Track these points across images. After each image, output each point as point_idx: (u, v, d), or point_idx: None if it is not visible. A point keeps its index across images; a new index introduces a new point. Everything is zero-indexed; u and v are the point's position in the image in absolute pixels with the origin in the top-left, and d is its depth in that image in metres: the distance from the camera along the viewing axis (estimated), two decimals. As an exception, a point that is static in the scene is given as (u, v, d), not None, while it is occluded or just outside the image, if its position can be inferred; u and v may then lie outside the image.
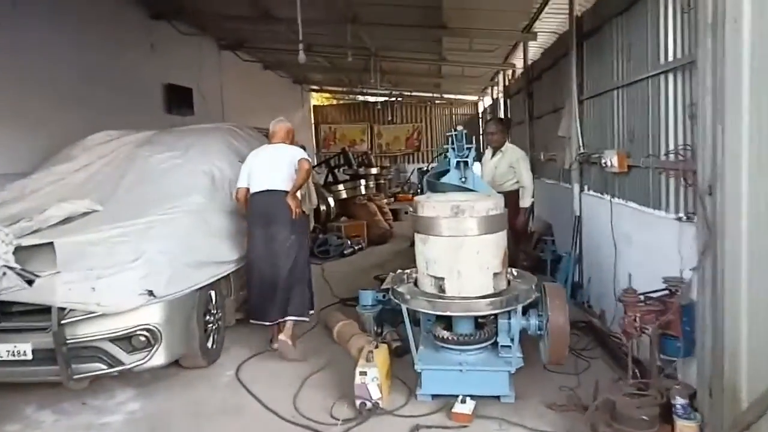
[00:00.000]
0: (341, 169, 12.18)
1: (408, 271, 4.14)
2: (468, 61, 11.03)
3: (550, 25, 8.04)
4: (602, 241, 4.91)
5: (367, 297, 4.73)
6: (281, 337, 4.39)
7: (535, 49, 9.04)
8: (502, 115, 12.97)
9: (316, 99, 20.06)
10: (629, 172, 4.25)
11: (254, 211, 4.49)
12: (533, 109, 8.40)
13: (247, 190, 4.54)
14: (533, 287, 3.57)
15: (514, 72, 11.15)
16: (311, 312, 4.79)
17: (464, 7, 7.47)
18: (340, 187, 9.98)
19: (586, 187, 5.58)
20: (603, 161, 4.54)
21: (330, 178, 11.29)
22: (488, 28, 8.37)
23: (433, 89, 16.71)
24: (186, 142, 5.23)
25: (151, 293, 3.56)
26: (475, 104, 18.75)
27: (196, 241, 4.21)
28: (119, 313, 3.52)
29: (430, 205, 3.53)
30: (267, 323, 4.50)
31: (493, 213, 3.47)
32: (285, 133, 4.82)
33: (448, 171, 4.67)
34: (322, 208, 8.94)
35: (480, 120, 18.65)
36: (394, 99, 15.31)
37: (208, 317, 4.38)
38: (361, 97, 19.20)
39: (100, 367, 3.53)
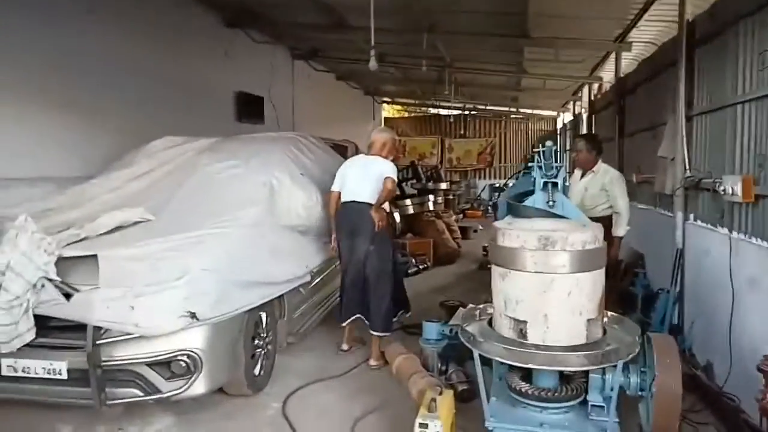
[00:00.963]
0: (409, 183, 11.73)
1: (481, 306, 3.60)
2: (550, 73, 10.35)
3: (647, 34, 7.29)
4: (714, 281, 4.16)
5: (432, 330, 4.21)
6: (372, 362, 4.60)
7: (627, 61, 8.27)
8: (584, 131, 12.16)
9: (387, 111, 19.81)
10: (757, 202, 3.52)
11: (341, 221, 4.65)
12: (624, 126, 7.62)
13: (339, 195, 4.69)
14: (636, 339, 2.93)
15: (600, 86, 10.35)
16: (406, 314, 5.05)
17: (551, 14, 6.86)
18: (408, 201, 9.52)
19: (692, 216, 4.81)
20: (721, 188, 3.82)
21: (397, 192, 10.87)
22: (576, 38, 7.71)
23: (510, 103, 16.01)
24: (248, 151, 4.95)
25: (193, 315, 3.22)
26: (554, 120, 17.86)
27: (248, 259, 3.86)
28: (158, 336, 3.19)
29: (512, 234, 2.98)
30: (341, 323, 4.75)
31: (591, 247, 2.88)
32: (381, 144, 4.79)
33: (531, 192, 4.14)
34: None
35: (558, 136, 17.74)
36: (467, 112, 14.74)
37: (256, 341, 4.02)
38: (432, 110, 18.78)
39: (135, 393, 3.22)
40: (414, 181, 11.68)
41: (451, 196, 13.32)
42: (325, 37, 9.55)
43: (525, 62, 9.52)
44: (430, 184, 11.41)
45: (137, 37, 6.70)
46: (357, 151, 7.43)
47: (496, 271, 3.12)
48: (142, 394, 3.23)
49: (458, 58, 10.19)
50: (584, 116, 12.22)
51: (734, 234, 3.79)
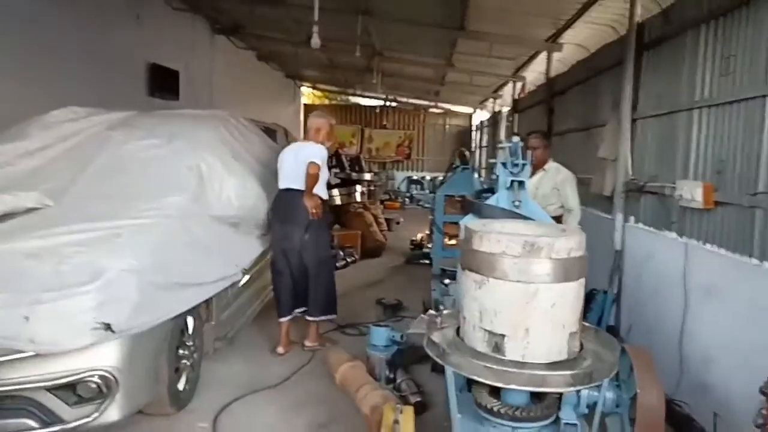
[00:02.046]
0: (332, 172, 11.27)
1: (439, 312, 3.30)
2: (477, 69, 10.30)
3: (577, 37, 7.36)
4: (658, 285, 4.16)
5: (381, 335, 3.88)
6: (307, 343, 4.53)
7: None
8: (504, 129, 12.32)
9: (308, 97, 19.15)
10: (716, 209, 3.49)
11: (274, 208, 4.48)
12: (553, 126, 7.67)
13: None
14: (617, 355, 2.75)
15: (524, 85, 10.47)
16: (333, 316, 4.75)
17: (493, 6, 6.70)
18: (335, 192, 9.07)
19: (632, 219, 4.82)
20: (676, 193, 3.78)
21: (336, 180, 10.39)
22: (511, 34, 7.64)
23: (431, 97, 15.96)
24: (170, 129, 4.31)
25: (108, 327, 2.64)
26: (469, 117, 18.08)
27: (174, 257, 3.29)
28: (61, 354, 2.59)
29: (491, 237, 2.68)
30: (279, 319, 4.53)
31: (576, 255, 2.64)
32: (315, 130, 4.59)
33: (488, 190, 3.91)
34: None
35: (473, 132, 18.00)
36: (389, 103, 14.50)
37: (181, 351, 3.46)
38: (353, 99, 18.37)
39: (28, 425, 2.59)
40: (337, 170, 11.23)
41: (372, 188, 13.02)
42: (251, 10, 8.84)
43: (455, 55, 9.38)
44: (354, 174, 11.00)
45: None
46: (287, 136, 6.91)
47: (468, 277, 2.81)
48: (37, 425, 2.60)
49: (388, 47, 9.87)
50: (504, 114, 12.39)
51: (691, 241, 3.76)
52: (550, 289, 2.58)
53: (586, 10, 6.28)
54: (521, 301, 2.61)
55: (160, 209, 3.48)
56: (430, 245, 7.45)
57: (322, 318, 4.57)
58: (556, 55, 8.47)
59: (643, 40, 4.69)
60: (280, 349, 4.50)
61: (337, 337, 4.92)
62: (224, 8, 9.22)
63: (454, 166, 6.20)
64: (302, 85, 17.46)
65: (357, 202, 9.36)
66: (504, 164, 3.50)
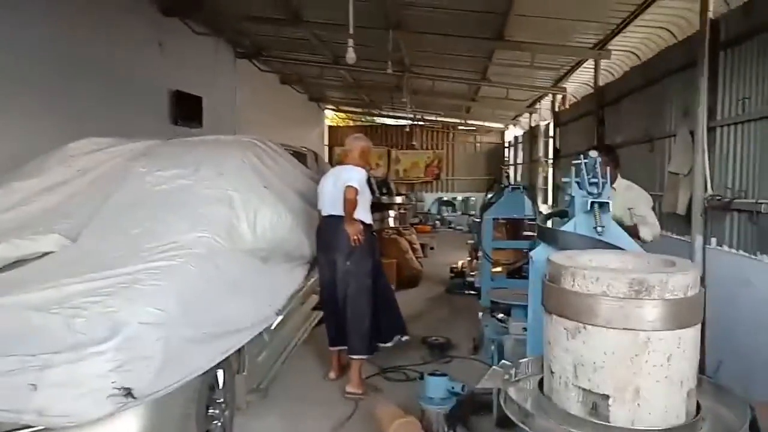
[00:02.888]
0: (362, 196, 10.87)
1: (513, 363, 2.80)
2: (513, 82, 9.85)
3: (627, 43, 6.87)
4: (759, 316, 3.58)
5: (438, 386, 3.37)
6: (349, 389, 4.12)
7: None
8: (542, 144, 11.80)
9: (331, 120, 18.92)
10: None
11: (319, 237, 4.28)
12: (605, 138, 7.14)
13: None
14: (744, 415, 2.21)
15: (564, 97, 9.97)
16: (386, 344, 4.47)
17: (534, 14, 6.27)
18: (367, 217, 8.66)
19: (713, 241, 4.26)
20: (781, 211, 3.24)
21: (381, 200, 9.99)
22: (554, 43, 7.18)
23: (461, 114, 15.53)
24: (196, 157, 3.93)
25: (128, 393, 2.21)
26: (501, 133, 17.58)
27: (203, 302, 2.86)
28: (75, 427, 2.16)
29: (588, 275, 2.18)
30: (330, 348, 4.42)
31: (693, 293, 2.13)
32: (358, 153, 4.49)
33: (558, 214, 3.43)
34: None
35: (506, 149, 17.47)
36: (417, 123, 14.12)
37: (210, 410, 3.01)
38: (379, 119, 18.06)
39: None
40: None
41: (402, 211, 12.58)
42: (274, 32, 8.58)
43: (491, 68, 8.93)
44: (385, 198, 10.57)
45: (52, 17, 5.51)
46: (317, 160, 6.53)
47: (557, 324, 2.31)
48: None
49: (419, 62, 9.50)
50: (542, 128, 11.88)
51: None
52: (665, 338, 2.08)
53: (637, 15, 5.81)
54: (629, 353, 2.10)
55: (187, 247, 3.07)
56: (473, 273, 6.93)
57: (363, 357, 4.22)
58: (602, 64, 8.03)
59: (719, 38, 4.18)
60: (332, 374, 4.40)
61: (381, 382, 4.42)
62: (247, 31, 8.98)
63: (502, 186, 5.70)
64: (326, 108, 17.23)
65: (391, 228, 8.92)
66: (579, 183, 3.01)
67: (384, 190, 11.30)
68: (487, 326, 4.89)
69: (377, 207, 9.73)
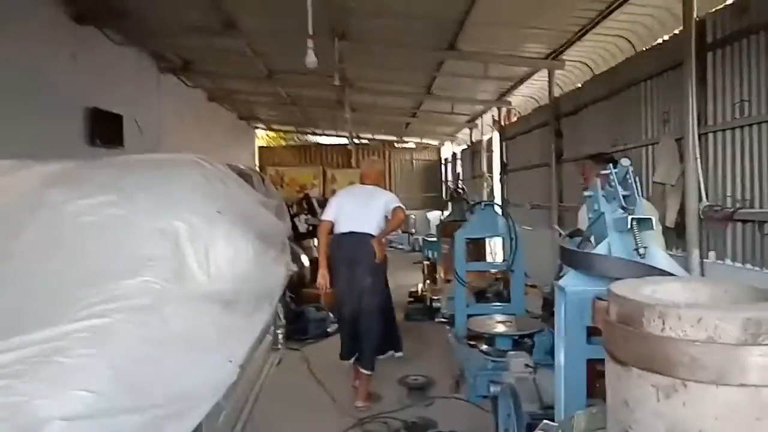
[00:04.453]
0: (302, 218, 10.15)
1: (559, 425, 2.27)
2: (458, 96, 9.58)
3: (581, 52, 6.71)
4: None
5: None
6: (359, 403, 4.25)
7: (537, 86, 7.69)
8: (484, 159, 11.61)
9: (262, 140, 18.07)
10: None
11: (339, 252, 4.40)
12: (564, 151, 6.92)
13: (332, 224, 4.44)
14: None
15: (509, 111, 9.81)
16: (396, 354, 4.63)
17: (490, 22, 5.94)
18: (313, 242, 7.96)
19: (711, 255, 3.98)
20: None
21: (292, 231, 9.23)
22: (505, 53, 6.91)
23: (400, 131, 15.20)
24: (130, 181, 3.16)
25: None
26: (438, 150, 17.43)
27: (152, 371, 2.15)
28: None
29: (683, 314, 1.69)
30: (345, 359, 4.52)
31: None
32: (378, 174, 4.83)
33: (574, 233, 2.98)
34: (293, 269, 6.83)
35: (443, 166, 17.31)
36: (351, 142, 13.63)
37: None
38: (312, 138, 17.43)
39: None
40: (308, 215, 10.12)
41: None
42: (203, 44, 7.81)
43: (437, 80, 8.58)
44: (329, 219, 9.91)
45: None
46: (264, 182, 5.84)
47: (643, 380, 1.78)
48: None
49: (362, 76, 9.01)
50: (484, 143, 11.71)
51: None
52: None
53: (596, 23, 5.62)
54: (748, 417, 1.62)
55: (125, 297, 2.34)
56: (436, 298, 6.43)
57: (370, 373, 4.38)
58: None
59: (705, 39, 3.95)
60: (356, 383, 4.43)
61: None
62: (173, 42, 8.15)
63: (473, 203, 5.26)
64: (257, 127, 16.40)
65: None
66: (606, 198, 2.57)
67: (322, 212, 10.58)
68: (467, 360, 4.38)
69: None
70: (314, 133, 16.41)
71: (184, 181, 3.25)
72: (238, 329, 3.07)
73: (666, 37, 4.83)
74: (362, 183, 4.80)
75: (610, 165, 2.57)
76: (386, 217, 4.40)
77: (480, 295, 5.90)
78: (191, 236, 2.86)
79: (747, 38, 3.58)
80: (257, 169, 16.53)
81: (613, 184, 2.54)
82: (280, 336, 5.43)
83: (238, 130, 14.79)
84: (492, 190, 10.77)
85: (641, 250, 2.37)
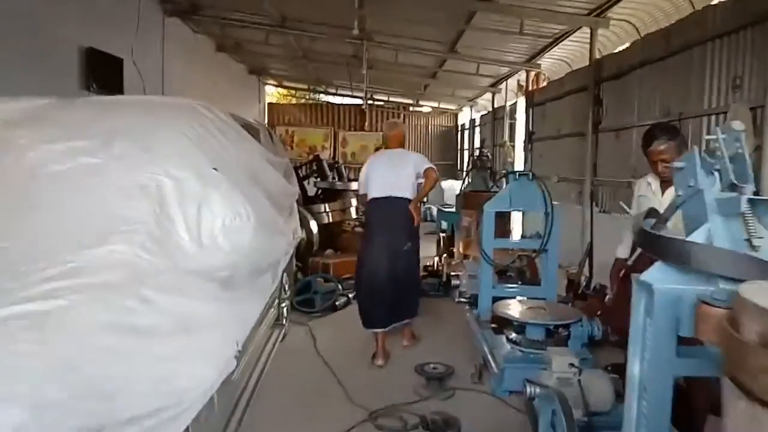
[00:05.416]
0: (312, 182, 9.58)
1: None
2: (482, 56, 8.86)
3: (626, 10, 6.01)
4: None
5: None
6: (405, 342, 4.59)
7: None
8: (507, 128, 10.95)
9: (272, 96, 17.37)
10: None
11: (374, 218, 4.42)
12: (602, 120, 6.27)
13: (366, 197, 4.48)
14: None
15: (538, 75, 9.10)
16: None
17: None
18: (323, 207, 7.44)
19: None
20: None
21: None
22: (542, 8, 6.20)
23: (415, 94, 14.46)
24: (110, 126, 2.62)
25: None
26: (455, 116, 16.69)
27: (116, 377, 1.64)
28: None
29: None
30: (381, 330, 4.35)
31: None
32: (401, 136, 4.77)
33: (651, 213, 2.44)
34: (301, 236, 6.30)
35: (458, 133, 16.61)
36: (365, 103, 12.94)
37: None
38: (324, 97, 16.71)
39: None
40: (319, 179, 9.55)
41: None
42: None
43: (465, 36, 7.85)
44: (339, 184, 9.33)
45: None
46: (272, 138, 5.28)
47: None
48: None
49: (383, 29, 8.31)
50: (508, 110, 11.02)
51: None
52: None
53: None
54: None
55: (90, 271, 1.83)
56: (455, 275, 5.89)
57: (414, 318, 4.64)
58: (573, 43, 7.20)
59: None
60: (380, 361, 4.30)
61: None
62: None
63: (506, 172, 4.69)
64: (267, 83, 15.68)
65: (353, 219, 7.77)
66: (711, 172, 2.00)
67: (334, 176, 10.00)
68: (494, 348, 3.88)
69: (332, 194, 8.59)
70: (327, 92, 15.66)
71: (175, 129, 2.70)
72: (237, 311, 2.56)
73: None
74: (387, 147, 4.77)
75: (718, 130, 2.00)
76: (419, 179, 4.40)
77: (501, 274, 5.39)
78: (180, 196, 2.33)
79: None
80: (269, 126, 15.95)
81: (719, 154, 1.98)
82: (285, 310, 4.99)
83: (247, 85, 14.10)
84: (514, 160, 10.14)
85: (755, 241, 1.82)
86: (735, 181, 1.92)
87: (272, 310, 4.39)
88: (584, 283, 6.31)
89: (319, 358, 4.50)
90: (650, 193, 3.12)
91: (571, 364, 2.99)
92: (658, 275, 1.96)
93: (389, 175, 4.35)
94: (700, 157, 2.04)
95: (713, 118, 4.19)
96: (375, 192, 4.35)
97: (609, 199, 6.11)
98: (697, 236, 1.94)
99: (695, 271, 1.87)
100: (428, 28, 7.79)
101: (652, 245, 2.09)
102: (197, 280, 2.19)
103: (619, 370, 4.16)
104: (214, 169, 2.57)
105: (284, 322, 4.87)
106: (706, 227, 1.94)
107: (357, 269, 4.54)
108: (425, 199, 4.96)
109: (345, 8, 6.73)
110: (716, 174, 2.04)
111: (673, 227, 2.49)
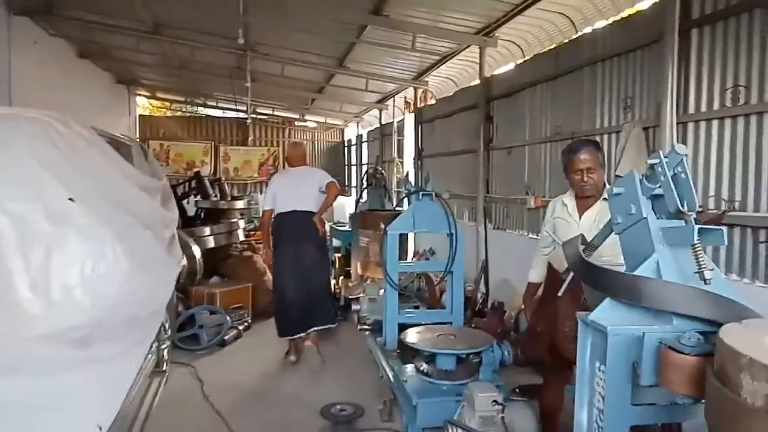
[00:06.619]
0: (192, 201, 8.76)
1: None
2: (371, 72, 8.71)
3: (512, 30, 6.14)
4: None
5: None
6: (308, 343, 4.79)
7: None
8: (395, 145, 10.90)
9: (144, 108, 16.04)
10: None
11: (282, 231, 4.70)
12: (494, 138, 6.32)
13: (272, 212, 4.76)
14: None
15: (425, 92, 9.14)
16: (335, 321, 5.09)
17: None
18: (207, 231, 6.76)
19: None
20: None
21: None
22: (435, 25, 6.16)
23: (302, 108, 14.04)
24: None
25: None
26: (342, 131, 16.50)
27: None
28: None
29: None
30: (295, 336, 4.78)
31: None
32: (303, 155, 5.13)
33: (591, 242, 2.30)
34: (183, 262, 5.62)
35: (345, 149, 16.41)
36: (249, 116, 12.25)
37: None
38: (203, 110, 15.72)
39: None
40: (198, 197, 8.77)
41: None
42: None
43: (354, 51, 7.65)
44: (223, 203, 8.63)
45: None
46: (146, 156, 4.63)
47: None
48: None
49: (267, 41, 7.86)
50: (395, 126, 10.98)
51: None
52: None
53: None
54: None
55: None
56: (353, 298, 5.57)
57: (328, 327, 4.92)
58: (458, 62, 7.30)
59: (691, 15, 3.43)
60: (293, 357, 4.81)
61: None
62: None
63: (408, 191, 4.46)
64: (138, 94, 14.40)
65: (240, 243, 7.17)
66: (653, 197, 1.87)
67: (216, 193, 9.25)
68: (405, 381, 3.60)
69: (215, 214, 7.90)
70: (206, 105, 14.71)
71: (17, 149, 2.11)
72: (102, 376, 2.03)
73: (630, 11, 4.32)
74: (291, 165, 5.07)
75: (660, 153, 1.88)
76: (322, 192, 4.72)
77: (399, 295, 5.17)
78: (21, 238, 1.77)
79: (749, 11, 3.07)
80: (138, 141, 14.58)
81: (663, 179, 1.85)
82: (166, 353, 4.35)
83: (114, 95, 12.80)
84: (407, 176, 10.09)
85: (707, 274, 1.70)
86: (681, 208, 1.81)
87: (150, 355, 3.77)
88: (481, 300, 6.30)
89: (207, 404, 3.97)
90: (567, 215, 3.01)
91: (495, 401, 2.78)
92: (607, 313, 1.78)
93: (294, 191, 4.68)
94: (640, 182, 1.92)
95: (605, 137, 4.29)
96: (281, 207, 4.66)
97: (502, 216, 6.16)
98: (646, 269, 1.78)
99: (647, 305, 1.71)
100: (317, 40, 7.46)
101: (596, 278, 1.92)
102: (43, 350, 1.66)
103: (526, 392, 4.11)
104: (70, 199, 2.03)
105: (165, 367, 4.24)
106: (654, 259, 1.79)
107: (272, 280, 4.99)
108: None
109: (228, 15, 6.21)
110: (652, 200, 1.94)
111: (598, 255, 2.38)
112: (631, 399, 1.69)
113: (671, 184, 1.81)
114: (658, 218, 1.89)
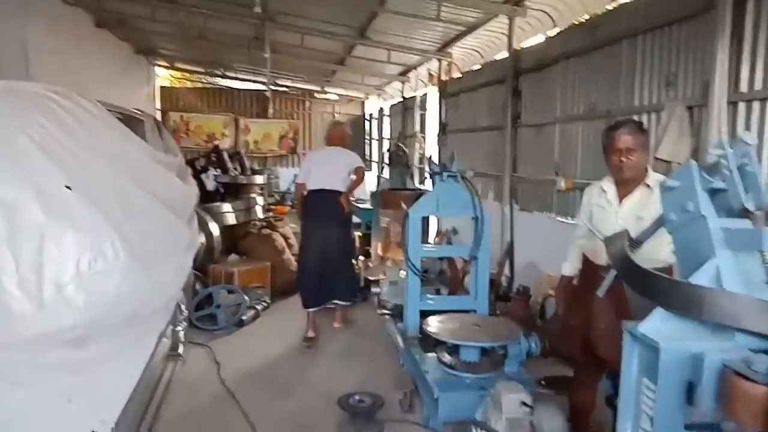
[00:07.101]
0: (211, 175, 8.64)
1: None
2: (393, 43, 8.39)
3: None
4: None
5: None
6: (336, 324, 5.17)
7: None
8: (417, 119, 10.61)
9: (165, 80, 15.91)
10: None
11: (311, 208, 4.93)
12: (521, 113, 6.03)
13: (304, 186, 4.96)
14: None
15: (450, 65, 8.79)
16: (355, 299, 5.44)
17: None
18: (226, 207, 6.64)
19: None
20: None
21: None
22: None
23: (321, 81, 13.76)
24: None
25: None
26: (362, 104, 16.19)
27: None
28: None
29: None
30: (315, 308, 4.92)
31: None
32: (343, 135, 5.24)
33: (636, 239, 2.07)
34: (200, 240, 5.51)
35: (367, 122, 16.12)
36: (269, 88, 12.05)
37: None
38: (223, 82, 15.52)
39: None
40: (218, 171, 8.63)
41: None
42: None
43: (377, 20, 7.34)
44: (242, 177, 8.48)
45: None
46: (160, 131, 4.47)
47: None
48: None
49: (287, 9, 7.59)
50: (418, 100, 10.67)
51: None
52: None
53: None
54: None
55: None
56: (374, 279, 5.41)
57: (347, 303, 5.17)
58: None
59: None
60: (311, 333, 4.87)
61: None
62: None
63: (431, 173, 4.24)
64: (157, 64, 14.24)
65: (259, 220, 7.04)
66: (713, 192, 1.64)
67: (236, 167, 9.11)
68: (427, 372, 3.45)
69: (235, 189, 7.77)
70: (226, 76, 14.50)
71: (9, 127, 1.95)
72: (99, 378, 1.89)
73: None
74: (328, 144, 5.24)
75: (725, 142, 1.64)
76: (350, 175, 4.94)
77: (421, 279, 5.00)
78: (9, 230, 1.62)
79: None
80: (158, 113, 14.48)
81: (728, 171, 1.62)
82: (182, 334, 4.26)
83: (133, 66, 12.65)
84: (424, 152, 9.84)
85: (774, 270, 1.48)
86: (748, 206, 1.58)
87: (165, 339, 3.69)
88: (506, 284, 6.10)
89: (223, 389, 3.88)
90: (605, 203, 2.78)
91: (524, 403, 2.61)
92: (658, 325, 1.57)
93: (324, 170, 4.88)
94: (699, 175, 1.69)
95: (645, 116, 3.99)
96: (312, 185, 4.88)
97: (530, 197, 5.90)
98: (703, 276, 1.57)
99: (707, 318, 1.50)
100: (338, 10, 7.18)
101: (646, 285, 1.70)
102: (31, 354, 1.52)
103: (553, 384, 3.93)
104: (67, 187, 1.86)
105: (180, 350, 4.16)
106: (714, 264, 1.57)
107: (298, 253, 5.22)
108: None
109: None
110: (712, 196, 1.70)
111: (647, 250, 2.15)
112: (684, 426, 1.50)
113: (737, 178, 1.58)
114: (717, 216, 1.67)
